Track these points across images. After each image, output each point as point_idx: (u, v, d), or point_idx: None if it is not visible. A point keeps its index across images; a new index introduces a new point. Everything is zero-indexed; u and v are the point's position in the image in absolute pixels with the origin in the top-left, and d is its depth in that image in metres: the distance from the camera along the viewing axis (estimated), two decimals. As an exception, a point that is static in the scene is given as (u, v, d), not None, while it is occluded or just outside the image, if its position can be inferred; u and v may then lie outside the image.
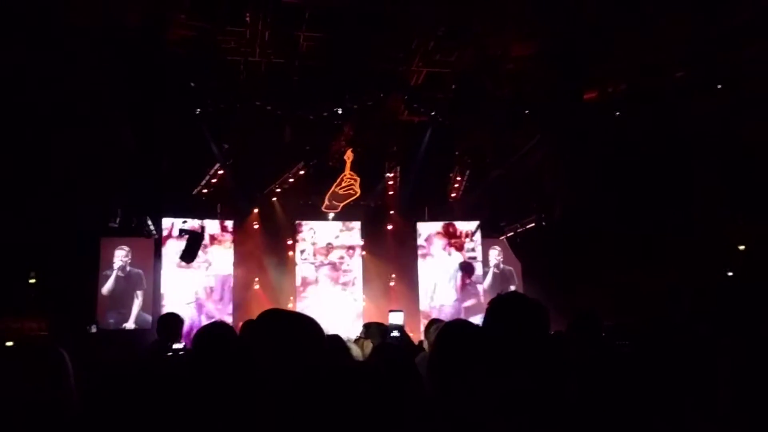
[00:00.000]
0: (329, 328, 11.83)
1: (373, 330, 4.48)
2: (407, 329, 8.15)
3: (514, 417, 1.77)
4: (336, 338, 3.02)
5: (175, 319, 4.36)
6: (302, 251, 15.11)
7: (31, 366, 2.05)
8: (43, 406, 2.00)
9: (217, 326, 3.11)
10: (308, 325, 1.64)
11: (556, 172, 12.91)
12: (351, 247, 15.35)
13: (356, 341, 4.20)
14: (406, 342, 5.04)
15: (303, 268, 15.07)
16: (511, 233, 14.90)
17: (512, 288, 14.64)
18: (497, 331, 2.19)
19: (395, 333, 4.89)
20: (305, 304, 14.52)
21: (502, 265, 15.61)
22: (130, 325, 13.33)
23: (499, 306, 2.27)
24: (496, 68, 11.19)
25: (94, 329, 10.07)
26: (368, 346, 3.83)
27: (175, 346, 4.07)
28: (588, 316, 4.04)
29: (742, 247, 12.41)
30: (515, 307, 2.24)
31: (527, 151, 12.92)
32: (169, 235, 13.57)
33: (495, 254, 15.67)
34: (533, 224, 13.98)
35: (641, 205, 12.07)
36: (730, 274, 12.33)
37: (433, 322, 4.78)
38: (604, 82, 10.92)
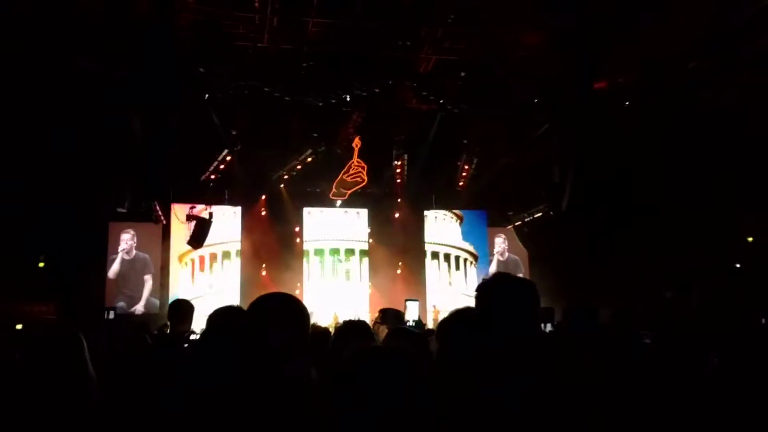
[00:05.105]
0: (338, 314, 11.83)
1: (390, 316, 4.44)
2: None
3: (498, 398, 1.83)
4: (362, 324, 3.08)
5: (186, 305, 4.35)
6: (309, 238, 15.16)
7: (51, 349, 2.08)
8: (65, 389, 2.03)
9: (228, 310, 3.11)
10: (279, 304, 1.70)
11: (564, 162, 12.85)
12: (358, 234, 15.39)
13: (372, 326, 4.17)
14: (421, 329, 5.05)
15: (310, 255, 15.13)
16: (519, 222, 14.88)
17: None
18: (485, 315, 2.21)
19: (410, 323, 4.85)
20: (312, 291, 14.57)
21: (507, 254, 15.64)
22: (140, 308, 13.48)
23: (483, 290, 2.28)
24: (506, 56, 11.11)
25: (111, 315, 10.14)
26: (383, 331, 3.84)
27: (192, 337, 4.07)
28: (582, 308, 4.02)
29: (750, 239, 12.37)
30: (498, 288, 2.26)
31: (536, 140, 12.87)
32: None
33: (500, 242, 15.71)
34: (541, 214, 13.95)
35: (650, 196, 12.02)
36: (738, 265, 12.30)
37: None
38: (614, 72, 10.83)
